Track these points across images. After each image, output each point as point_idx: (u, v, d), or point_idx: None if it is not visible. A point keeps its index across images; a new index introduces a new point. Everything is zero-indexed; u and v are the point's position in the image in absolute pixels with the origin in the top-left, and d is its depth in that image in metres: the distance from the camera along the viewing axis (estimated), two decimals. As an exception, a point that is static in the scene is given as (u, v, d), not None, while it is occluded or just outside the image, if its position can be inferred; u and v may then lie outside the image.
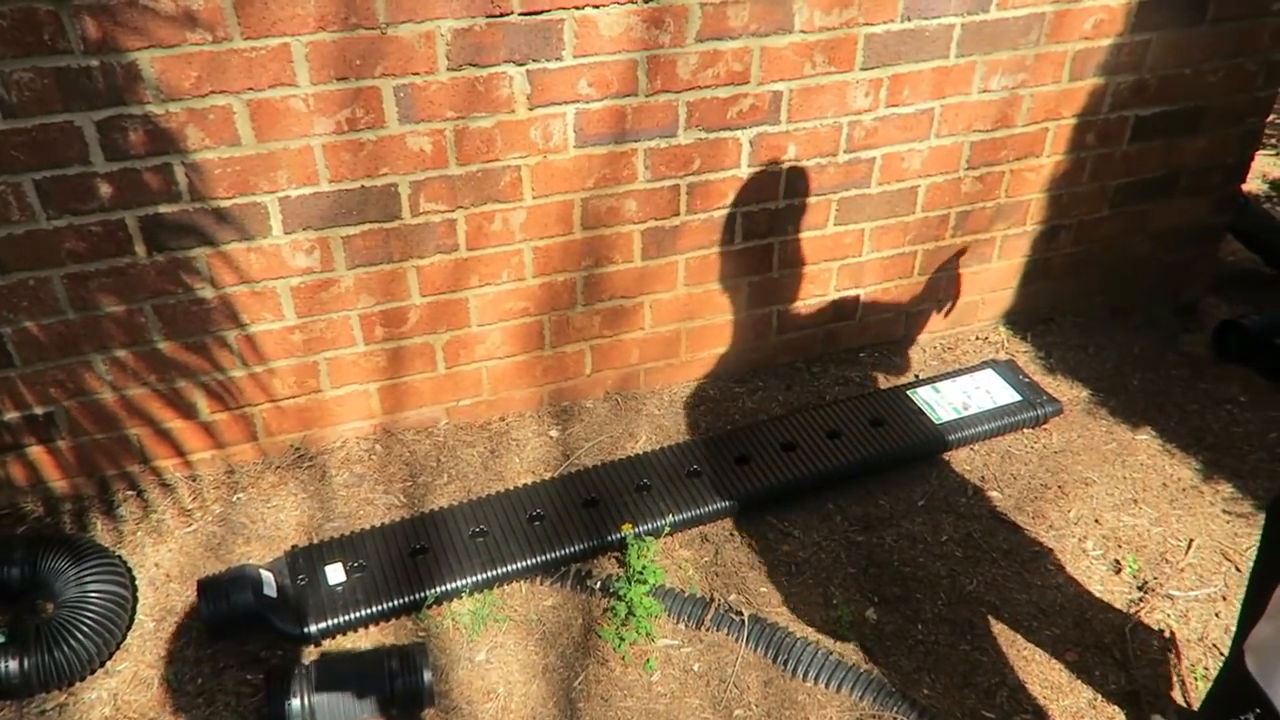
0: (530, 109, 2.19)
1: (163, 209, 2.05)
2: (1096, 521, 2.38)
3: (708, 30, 2.22)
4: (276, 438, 2.47)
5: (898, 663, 2.04)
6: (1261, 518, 2.36)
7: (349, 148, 2.11)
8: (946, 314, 2.97)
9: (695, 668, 2.03)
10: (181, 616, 2.09)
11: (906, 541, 2.32)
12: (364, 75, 2.03)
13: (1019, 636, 2.10)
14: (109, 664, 2.00)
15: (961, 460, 2.57)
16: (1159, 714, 1.93)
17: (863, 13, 2.32)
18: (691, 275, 2.59)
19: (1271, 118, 3.00)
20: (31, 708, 1.92)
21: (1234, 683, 1.26)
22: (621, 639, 2.06)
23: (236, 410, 2.38)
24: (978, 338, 3.05)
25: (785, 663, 2.02)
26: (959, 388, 2.70)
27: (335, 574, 2.10)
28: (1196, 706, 1.96)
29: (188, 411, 2.33)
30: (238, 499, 2.38)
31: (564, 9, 2.09)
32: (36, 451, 2.27)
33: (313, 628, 2.00)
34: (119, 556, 2.18)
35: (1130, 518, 2.40)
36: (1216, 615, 2.15)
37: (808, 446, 2.48)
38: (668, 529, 2.26)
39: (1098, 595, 2.19)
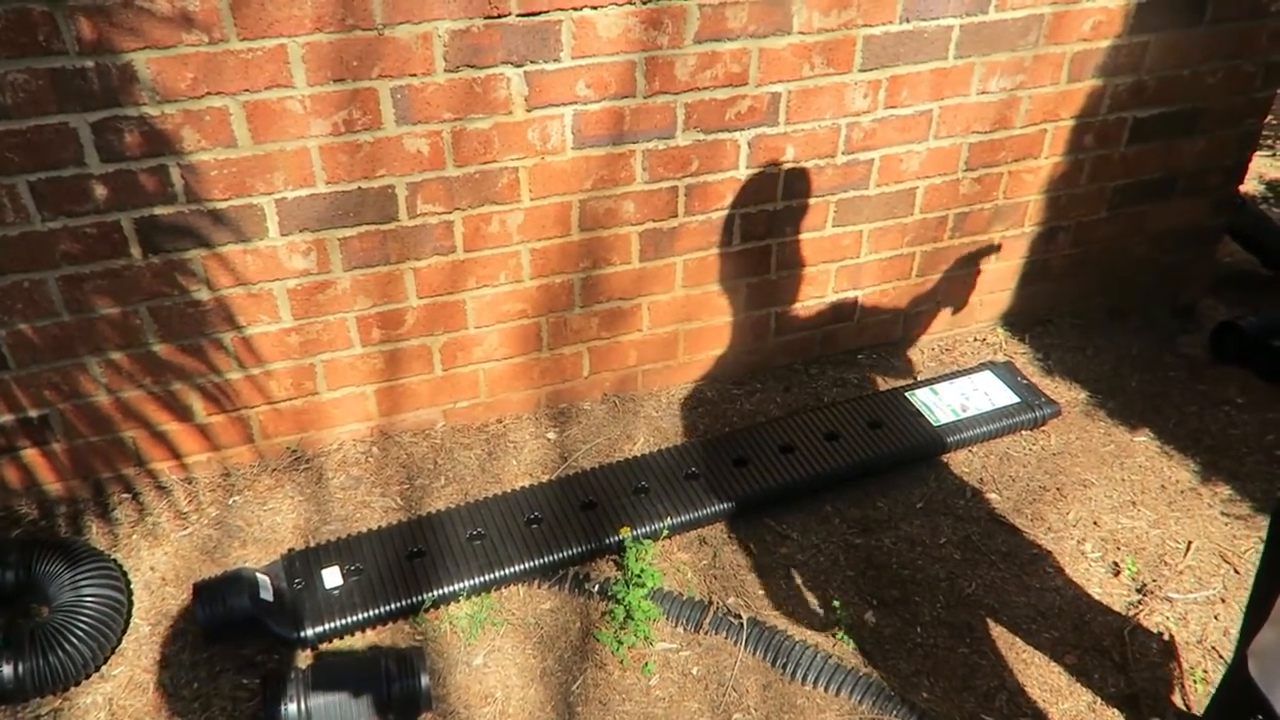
0: (528, 110, 2.18)
1: (158, 211, 2.04)
2: (1095, 524, 2.38)
3: (706, 31, 2.21)
4: (273, 440, 2.46)
5: (897, 666, 2.03)
6: (1260, 520, 2.38)
7: (346, 149, 2.10)
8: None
9: (694, 671, 2.02)
10: (177, 620, 2.08)
11: (905, 544, 2.31)
12: (361, 76, 2.02)
13: (1018, 639, 2.10)
14: (104, 669, 1.99)
15: (960, 462, 2.57)
16: (1158, 718, 1.93)
17: (861, 14, 2.31)
18: (689, 277, 2.59)
19: (1269, 119, 3.00)
20: (26, 713, 1.91)
21: (1237, 688, 1.26)
22: (620, 643, 2.05)
23: (233, 412, 2.37)
24: (976, 339, 3.05)
25: (784, 666, 2.01)
26: (957, 389, 2.69)
27: (332, 577, 2.09)
28: (1196, 710, 1.95)
29: (183, 414, 2.32)
30: (234, 502, 2.37)
31: (562, 10, 2.08)
32: (31, 454, 2.26)
33: (309, 632, 1.99)
34: (114, 560, 2.17)
35: (1129, 520, 2.39)
36: (1215, 618, 2.15)
37: (806, 449, 2.47)
38: (666, 532, 2.25)
39: (1097, 598, 2.19)
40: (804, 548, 2.30)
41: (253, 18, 1.89)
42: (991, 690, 1.99)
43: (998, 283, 2.98)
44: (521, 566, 2.15)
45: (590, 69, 2.17)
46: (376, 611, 2.04)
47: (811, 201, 2.58)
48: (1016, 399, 2.66)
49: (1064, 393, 2.82)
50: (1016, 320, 3.09)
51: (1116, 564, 2.28)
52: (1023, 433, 2.66)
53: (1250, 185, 3.96)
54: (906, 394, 2.67)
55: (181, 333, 2.20)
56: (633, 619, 2.07)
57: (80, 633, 1.94)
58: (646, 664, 2.03)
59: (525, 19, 2.07)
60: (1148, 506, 2.44)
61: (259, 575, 2.06)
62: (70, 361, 2.16)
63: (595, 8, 2.10)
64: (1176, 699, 1.97)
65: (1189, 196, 3.00)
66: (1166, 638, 2.10)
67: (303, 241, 2.18)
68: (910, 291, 2.89)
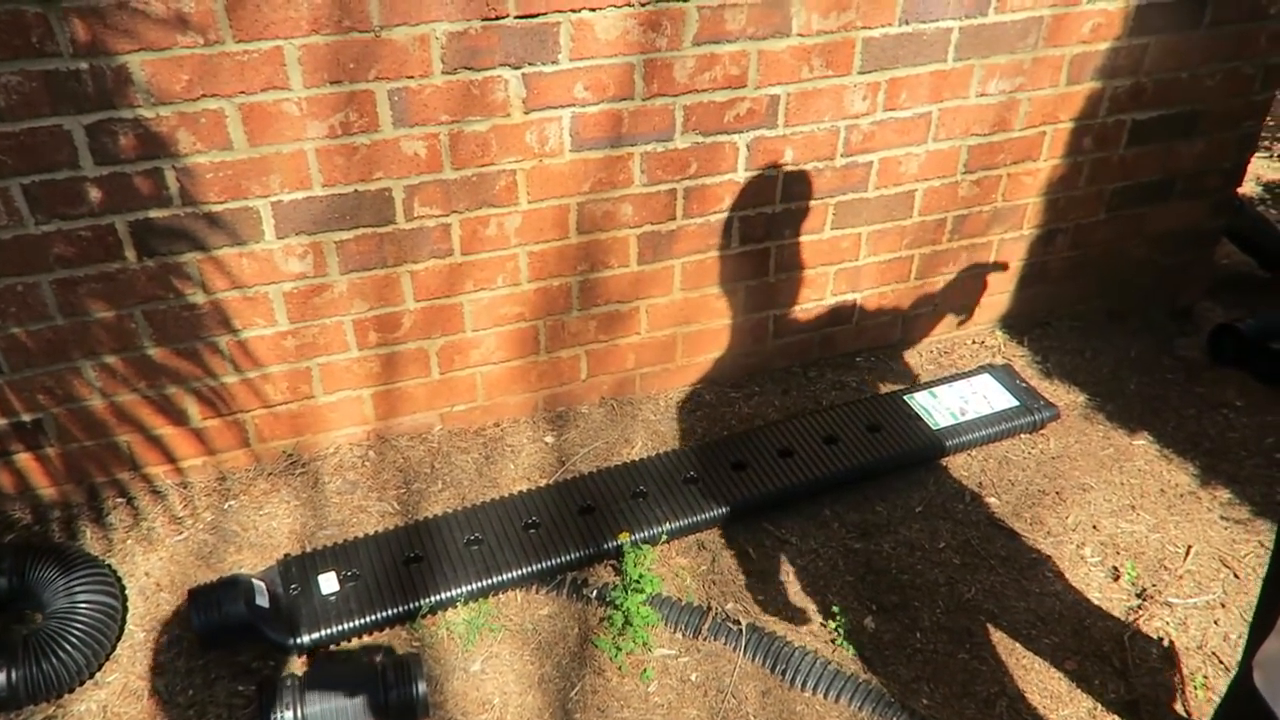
0: (526, 113, 2.17)
1: (153, 214, 2.02)
2: (1094, 528, 2.37)
3: (705, 33, 2.20)
4: (269, 444, 2.44)
5: (896, 672, 2.03)
6: (1259, 524, 2.37)
7: (342, 152, 2.08)
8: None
9: (693, 678, 2.01)
10: (172, 626, 2.07)
11: (904, 548, 2.31)
12: (358, 78, 2.01)
13: (1018, 645, 2.09)
14: (98, 675, 1.97)
15: (959, 466, 2.56)
16: (1159, 724, 1.93)
17: (861, 16, 2.30)
18: (688, 280, 2.57)
19: (1266, 121, 3.00)
20: (20, 720, 1.89)
21: (1241, 700, 1.25)
22: (618, 649, 2.04)
23: (228, 416, 2.35)
24: (974, 342, 3.04)
25: (783, 672, 2.00)
26: (956, 393, 2.69)
27: (328, 583, 2.08)
28: (1197, 717, 1.95)
29: (179, 418, 2.31)
30: (229, 506, 2.35)
31: (560, 12, 2.07)
32: (25, 459, 2.24)
33: (305, 638, 1.98)
34: (109, 565, 2.15)
35: (1128, 524, 2.39)
36: (1215, 623, 2.14)
37: (804, 452, 2.46)
38: (664, 537, 2.24)
39: (1096, 603, 2.18)
40: (803, 552, 2.29)
41: (248, 19, 1.88)
42: (992, 696, 1.98)
43: (996, 285, 2.97)
44: (519, 572, 2.13)
45: (588, 71, 2.16)
46: (373, 617, 2.03)
47: (810, 204, 2.57)
48: (1015, 402, 2.66)
49: (1063, 396, 2.81)
50: (1015, 322, 3.08)
51: (1116, 568, 2.27)
52: (1022, 436, 2.65)
53: (1248, 187, 3.96)
54: (905, 397, 2.66)
55: (176, 336, 2.19)
56: (631, 625, 2.06)
57: (74, 639, 1.92)
58: (645, 670, 2.02)
59: (523, 21, 2.05)
60: (1147, 510, 2.43)
61: (255, 581, 2.04)
62: (64, 365, 2.14)
63: (594, 9, 2.08)
64: (1178, 706, 1.97)
65: (1188, 199, 3.00)
66: (1166, 643, 2.09)
67: (299, 244, 2.17)
68: (909, 294, 2.88)
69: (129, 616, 2.09)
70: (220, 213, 2.07)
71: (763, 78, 2.31)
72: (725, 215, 2.50)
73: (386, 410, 2.50)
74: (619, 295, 2.53)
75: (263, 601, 2.01)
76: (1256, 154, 3.79)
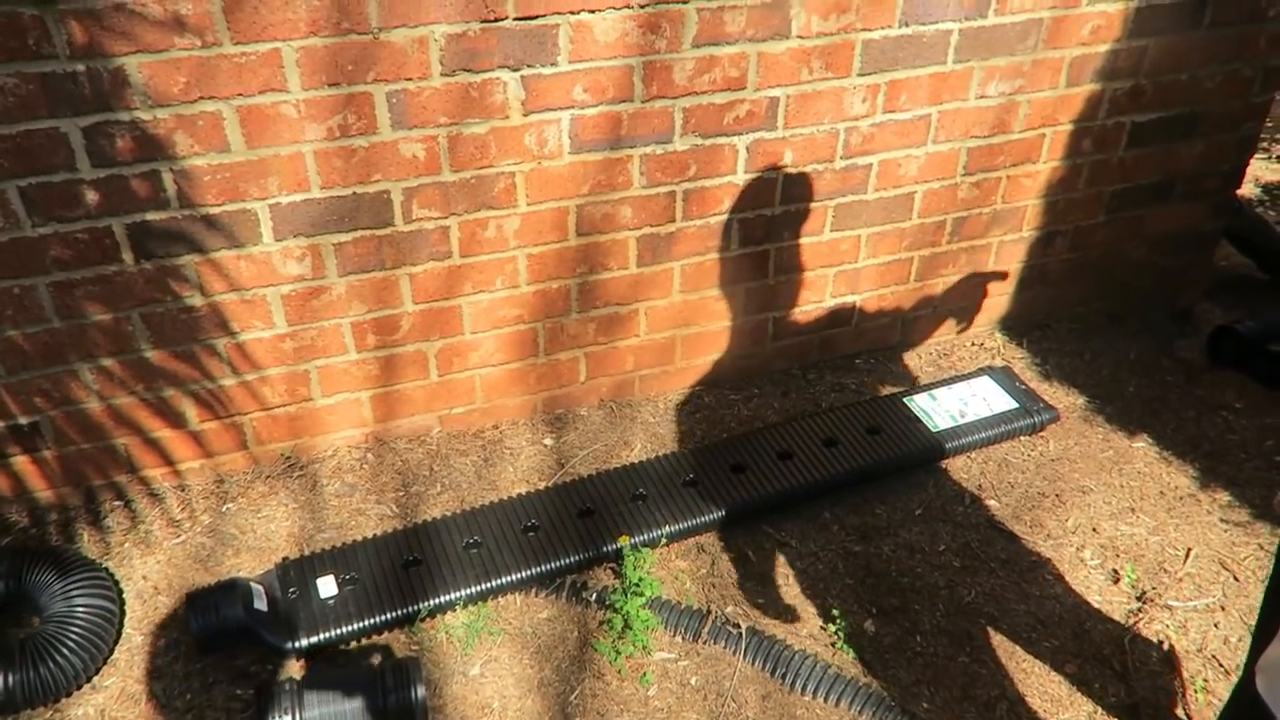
0: (525, 115, 2.16)
1: (150, 216, 2.02)
2: (1094, 530, 2.37)
3: (704, 35, 2.19)
4: (267, 446, 2.44)
5: (896, 675, 2.02)
6: (1259, 526, 2.37)
7: (341, 154, 2.08)
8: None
9: (692, 681, 2.01)
10: (170, 630, 2.06)
11: (904, 551, 2.30)
12: (356, 80, 2.00)
13: (1018, 648, 2.08)
14: (96, 680, 1.97)
15: (959, 468, 2.56)
16: (1159, 728, 1.92)
17: (860, 18, 2.30)
18: (687, 282, 2.57)
19: (1265, 122, 3.00)
20: (16, 725, 1.89)
21: (1245, 705, 1.24)
22: (618, 652, 2.03)
23: (226, 419, 2.35)
24: (974, 344, 3.04)
25: (783, 676, 2.00)
26: (956, 395, 2.68)
27: (327, 586, 2.07)
28: None
29: (176, 420, 2.30)
30: (227, 509, 2.34)
31: (559, 14, 2.06)
32: (21, 461, 2.23)
33: (304, 642, 1.97)
34: (106, 569, 2.14)
35: (1128, 526, 2.39)
36: (1215, 626, 2.14)
37: (804, 455, 2.46)
38: (664, 540, 2.24)
39: (1096, 606, 2.18)
40: (802, 555, 2.29)
41: (246, 21, 1.87)
42: (992, 700, 1.98)
43: (996, 287, 2.97)
44: (518, 575, 2.13)
45: (588, 73, 2.16)
46: (372, 621, 2.02)
47: (810, 206, 2.56)
48: (1015, 404, 2.65)
49: (1062, 398, 2.81)
50: (1014, 324, 3.08)
51: (1116, 571, 2.27)
52: (1021, 438, 2.65)
53: (1246, 188, 3.96)
54: (905, 399, 2.66)
55: (174, 339, 2.18)
56: (631, 628, 2.05)
57: (72, 643, 1.92)
58: (645, 674, 2.01)
59: (522, 23, 2.05)
60: (1147, 513, 2.43)
61: (253, 584, 2.04)
62: (61, 368, 2.13)
63: (593, 11, 2.08)
64: (1179, 710, 1.96)
65: (1187, 200, 3.00)
66: (1166, 647, 2.09)
67: (297, 247, 2.16)
68: (908, 296, 2.88)
69: (126, 620, 2.08)
70: (218, 215, 2.06)
71: (762, 80, 2.31)
72: (725, 217, 2.49)
73: (385, 413, 2.50)
74: (618, 297, 2.52)
75: (261, 605, 2.00)
76: (1255, 155, 3.78)
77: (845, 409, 2.63)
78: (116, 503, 2.34)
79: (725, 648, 2.07)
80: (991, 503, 2.45)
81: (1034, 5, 2.43)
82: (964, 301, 2.95)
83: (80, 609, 1.98)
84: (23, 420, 2.17)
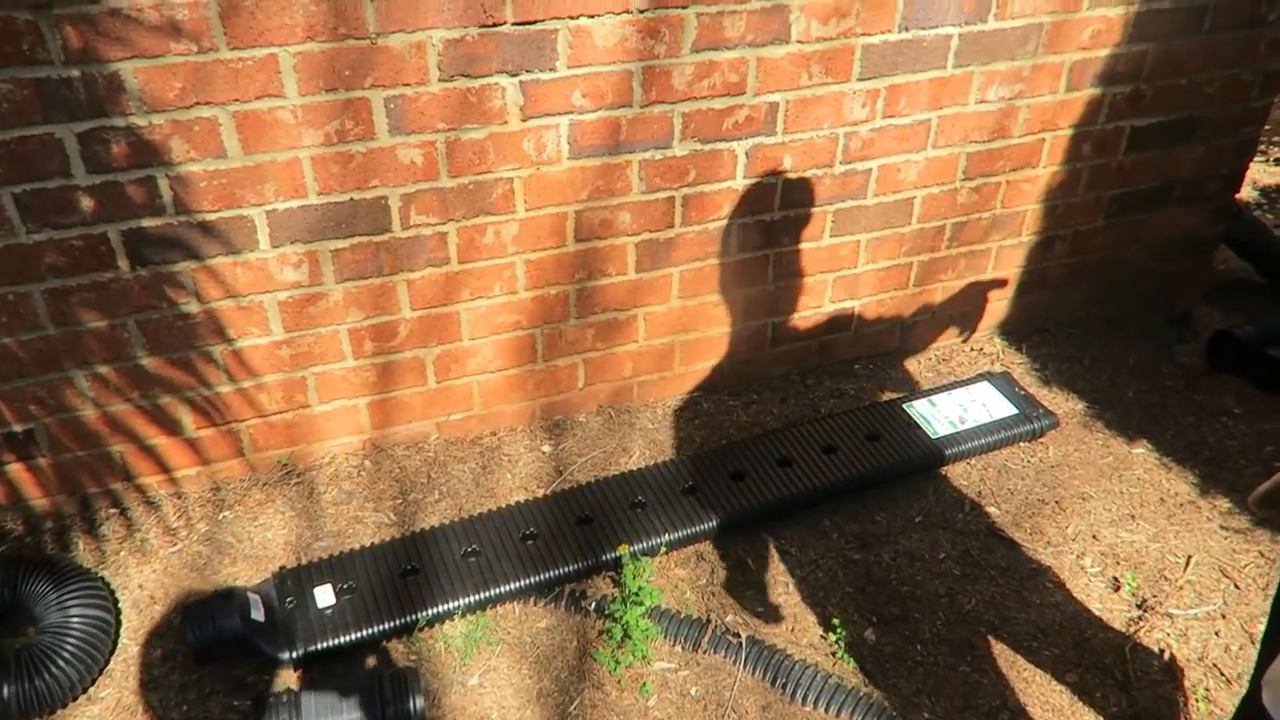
0: (523, 120, 2.15)
1: (146, 222, 2.00)
2: (1094, 537, 2.36)
3: (704, 40, 2.18)
4: (264, 453, 2.42)
5: (897, 685, 2.01)
6: (1259, 534, 2.37)
7: (338, 160, 2.06)
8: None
9: (692, 691, 2.00)
10: (166, 640, 2.05)
11: (904, 559, 2.29)
12: (354, 86, 1.99)
13: (1019, 657, 2.08)
14: (92, 690, 1.95)
15: (958, 475, 2.55)
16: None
17: (860, 23, 2.29)
18: (686, 288, 2.56)
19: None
20: (11, 737, 1.87)
21: (1251, 718, 1.24)
22: (617, 662, 2.02)
23: (223, 426, 2.33)
24: (973, 349, 3.03)
25: (784, 686, 1.99)
26: (955, 401, 2.67)
27: (324, 596, 2.06)
28: (1199, 729, 1.94)
29: (172, 428, 2.28)
30: (224, 517, 2.33)
31: (558, 19, 2.05)
32: (16, 469, 2.21)
33: (301, 652, 1.96)
34: (101, 578, 2.13)
35: (1128, 534, 2.38)
36: (1216, 634, 2.13)
37: (803, 461, 2.45)
38: (663, 548, 2.22)
39: (1097, 614, 2.17)
40: (802, 563, 2.28)
41: (243, 26, 1.86)
42: (993, 710, 1.97)
43: (995, 292, 2.96)
44: (517, 584, 2.11)
45: (586, 78, 2.14)
46: (370, 631, 2.01)
47: (809, 211, 2.55)
48: (1014, 410, 2.65)
49: (1061, 403, 2.80)
50: (1014, 329, 3.07)
51: (1116, 579, 2.26)
52: (1021, 444, 2.64)
53: (1244, 192, 3.95)
54: (904, 405, 2.65)
55: (170, 346, 2.16)
56: (630, 638, 2.04)
57: (67, 654, 1.90)
58: (644, 684, 2.00)
59: (520, 28, 2.03)
60: (1147, 520, 2.42)
61: (250, 594, 2.02)
62: (56, 375, 2.12)
63: (592, 16, 2.07)
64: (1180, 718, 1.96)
65: (1186, 205, 2.99)
66: (1168, 656, 2.08)
67: (294, 253, 2.15)
68: (908, 302, 2.87)
69: (122, 630, 2.07)
70: (214, 221, 2.05)
71: (762, 85, 2.30)
72: (724, 223, 2.48)
73: (382, 419, 2.48)
74: (617, 303, 2.51)
75: (258, 615, 1.99)
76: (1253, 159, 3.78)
77: (844, 415, 2.62)
78: (112, 511, 2.33)
79: (725, 657, 2.06)
80: (991, 509, 2.44)
81: (1034, 10, 2.43)
82: (963, 307, 2.94)
83: (76, 619, 1.96)
84: (17, 428, 2.16)
